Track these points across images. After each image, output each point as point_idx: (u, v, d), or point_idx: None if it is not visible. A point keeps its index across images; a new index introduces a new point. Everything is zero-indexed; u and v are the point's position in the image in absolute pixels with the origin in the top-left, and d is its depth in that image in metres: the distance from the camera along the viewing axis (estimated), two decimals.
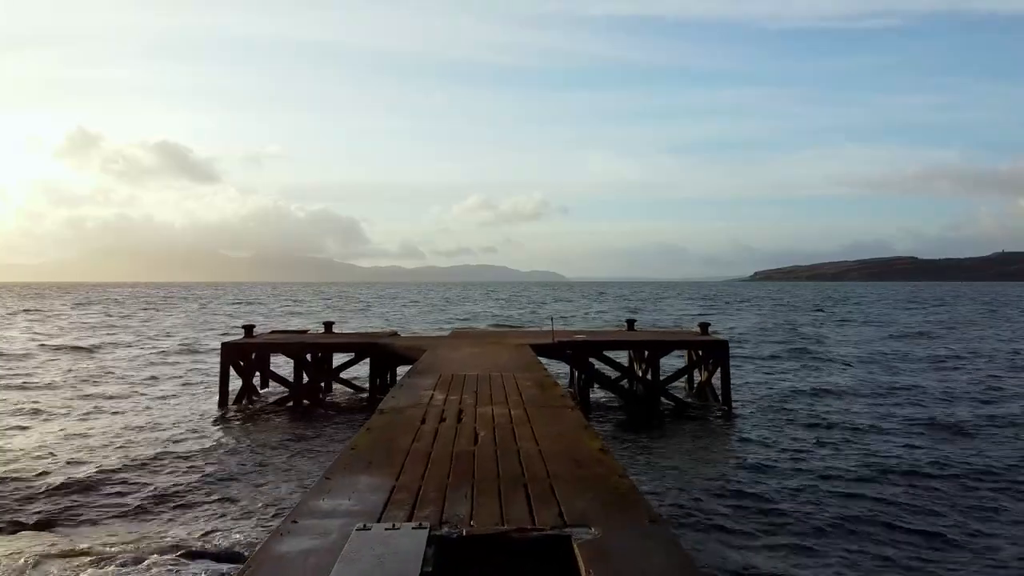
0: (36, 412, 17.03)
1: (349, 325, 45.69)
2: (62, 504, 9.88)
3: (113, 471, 11.46)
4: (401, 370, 17.07)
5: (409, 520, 4.48)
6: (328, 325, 21.97)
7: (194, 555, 7.88)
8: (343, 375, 19.67)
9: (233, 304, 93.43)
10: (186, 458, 12.54)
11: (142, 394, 20.09)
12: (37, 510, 9.66)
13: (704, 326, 19.06)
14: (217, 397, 17.95)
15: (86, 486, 10.65)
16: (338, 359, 19.77)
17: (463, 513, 4.63)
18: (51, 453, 12.81)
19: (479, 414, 8.00)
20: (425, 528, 4.23)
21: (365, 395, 18.59)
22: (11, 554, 8.01)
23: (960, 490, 10.75)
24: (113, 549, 8.12)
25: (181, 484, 10.88)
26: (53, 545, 8.33)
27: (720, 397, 17.40)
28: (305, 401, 18.05)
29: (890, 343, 36.05)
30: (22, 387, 21.20)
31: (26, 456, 12.65)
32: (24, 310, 73.72)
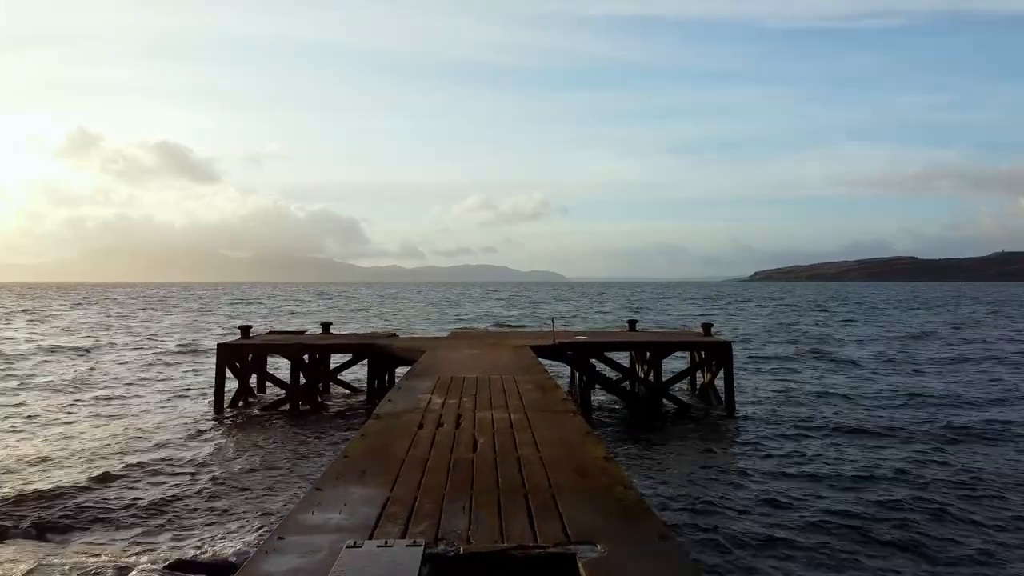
0: (30, 416, 16.73)
1: (349, 326, 45.44)
2: (49, 512, 9.57)
3: (103, 477, 11.16)
4: (400, 371, 16.83)
5: (403, 536, 4.22)
6: (326, 326, 21.73)
7: (183, 566, 7.60)
8: (341, 377, 19.39)
9: (233, 304, 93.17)
10: (179, 464, 12.25)
11: (137, 396, 19.79)
12: (22, 516, 9.37)
13: (707, 327, 18.86)
14: (212, 400, 17.67)
15: (74, 493, 10.35)
16: (336, 360, 19.53)
17: (461, 528, 4.36)
18: (42, 458, 12.53)
19: (478, 419, 7.75)
20: (420, 545, 3.97)
21: (363, 397, 18.34)
22: None
23: (971, 495, 10.48)
24: (101, 559, 7.86)
25: (172, 491, 10.59)
26: (37, 554, 8.06)
27: (723, 399, 17.17)
28: (302, 404, 17.78)
29: (895, 344, 35.74)
30: (17, 389, 20.92)
31: (13, 460, 12.38)
32: (23, 310, 73.46)
